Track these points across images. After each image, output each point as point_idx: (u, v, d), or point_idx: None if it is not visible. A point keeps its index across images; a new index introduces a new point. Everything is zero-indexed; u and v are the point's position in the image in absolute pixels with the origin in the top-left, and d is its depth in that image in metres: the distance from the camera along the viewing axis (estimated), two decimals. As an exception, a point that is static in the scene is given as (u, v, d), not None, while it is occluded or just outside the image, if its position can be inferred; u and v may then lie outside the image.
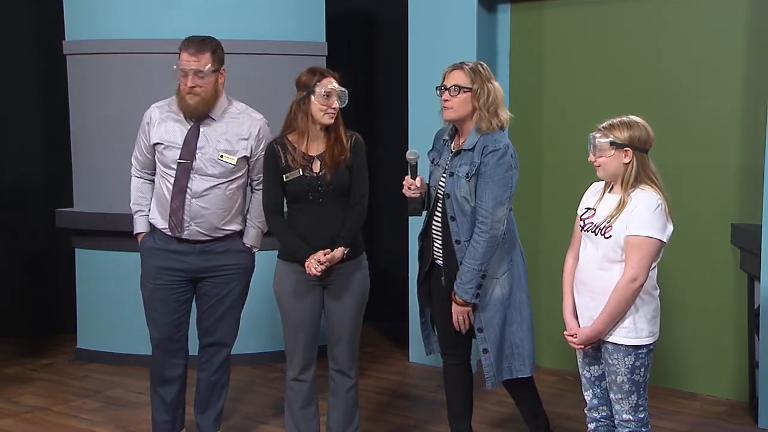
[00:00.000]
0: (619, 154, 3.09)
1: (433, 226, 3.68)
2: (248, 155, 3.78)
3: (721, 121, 4.74)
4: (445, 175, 3.61)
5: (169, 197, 3.73)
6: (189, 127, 3.74)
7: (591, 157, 3.15)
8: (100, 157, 5.34)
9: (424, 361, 5.29)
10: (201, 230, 3.75)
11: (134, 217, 3.89)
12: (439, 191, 3.64)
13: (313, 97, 3.50)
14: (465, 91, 3.53)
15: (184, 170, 3.71)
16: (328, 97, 3.50)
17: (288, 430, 3.77)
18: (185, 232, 3.74)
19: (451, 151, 3.62)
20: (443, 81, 3.59)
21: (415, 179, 3.63)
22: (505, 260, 3.60)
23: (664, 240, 3.08)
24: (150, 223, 3.85)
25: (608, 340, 3.14)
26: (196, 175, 3.71)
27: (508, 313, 3.62)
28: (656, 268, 3.13)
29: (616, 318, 3.09)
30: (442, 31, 5.23)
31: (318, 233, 3.53)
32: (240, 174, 3.80)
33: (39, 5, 6.07)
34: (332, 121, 3.53)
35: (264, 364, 5.44)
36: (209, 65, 3.65)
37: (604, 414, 3.30)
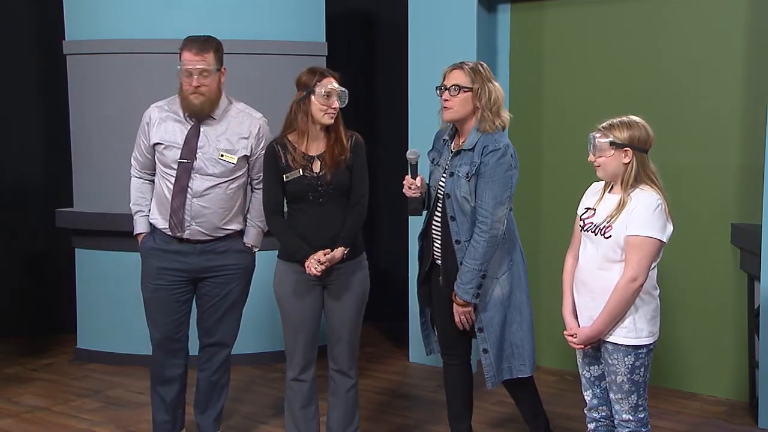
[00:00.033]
0: (618, 154, 3.09)
1: (433, 226, 3.68)
2: (248, 154, 3.79)
3: (721, 121, 4.74)
4: (445, 175, 3.61)
5: (169, 197, 3.73)
6: (189, 126, 3.74)
7: (591, 157, 3.15)
8: (100, 157, 5.34)
9: (424, 361, 5.29)
10: (202, 230, 3.75)
11: (134, 217, 3.89)
12: (439, 191, 3.64)
13: (313, 97, 3.50)
14: (465, 91, 3.53)
15: (185, 170, 3.71)
16: (328, 97, 3.50)
17: (288, 430, 3.77)
18: (186, 232, 3.74)
19: (451, 151, 3.62)
20: (443, 81, 3.59)
21: (415, 179, 3.63)
22: (505, 260, 3.60)
23: (664, 240, 3.08)
24: (150, 224, 3.85)
25: (608, 340, 3.14)
26: (197, 175, 3.72)
27: (508, 313, 3.62)
28: (656, 268, 3.13)
29: (615, 318, 3.09)
30: (442, 31, 5.23)
31: (318, 233, 3.53)
32: (240, 173, 3.80)
33: (39, 5, 6.07)
34: (332, 121, 3.53)
35: (264, 364, 5.44)
36: (213, 64, 3.66)
37: (603, 414, 3.30)
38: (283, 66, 5.20)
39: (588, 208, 3.23)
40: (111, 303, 5.45)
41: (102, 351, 5.52)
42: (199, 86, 3.64)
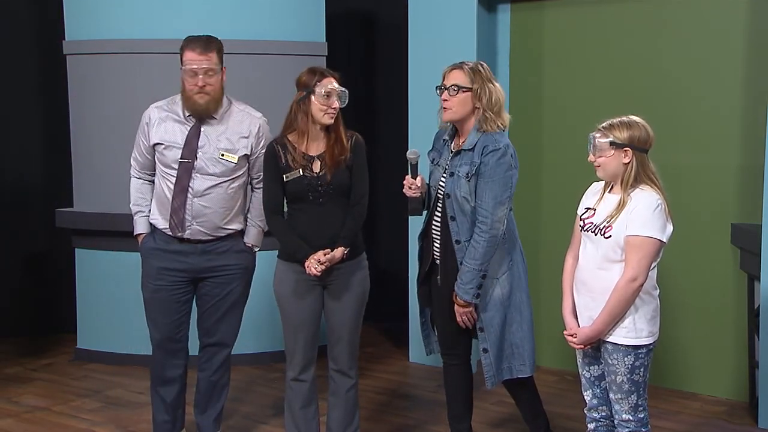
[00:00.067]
0: (618, 154, 3.09)
1: (433, 226, 3.68)
2: (248, 153, 3.79)
3: (721, 121, 4.74)
4: (445, 175, 3.61)
5: (170, 197, 3.73)
6: (189, 126, 3.74)
7: (591, 157, 3.16)
8: (100, 157, 5.34)
9: (424, 361, 5.29)
10: (203, 229, 3.75)
11: (134, 218, 3.89)
12: (439, 191, 3.64)
13: (313, 97, 3.50)
14: (464, 91, 3.52)
15: (186, 169, 3.71)
16: (329, 97, 3.50)
17: (288, 430, 3.77)
18: (187, 232, 3.74)
19: (451, 151, 3.62)
20: (443, 81, 3.59)
21: (415, 179, 3.63)
22: (506, 260, 3.60)
23: (664, 240, 3.08)
24: (151, 224, 3.85)
25: (608, 339, 3.14)
26: (198, 174, 3.72)
27: (508, 313, 3.62)
28: (656, 268, 3.13)
29: (615, 318, 3.09)
30: (442, 31, 5.23)
31: (318, 233, 3.53)
32: (241, 172, 3.80)
33: (39, 5, 6.07)
34: (332, 121, 3.53)
35: (264, 364, 5.44)
36: (217, 64, 3.67)
37: (603, 414, 3.30)
38: (283, 66, 5.20)
39: (588, 208, 3.23)
40: (111, 303, 5.45)
41: (102, 351, 5.52)
42: (204, 86, 3.64)
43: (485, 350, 3.60)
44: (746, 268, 4.63)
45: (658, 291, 3.18)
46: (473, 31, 5.12)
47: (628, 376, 3.12)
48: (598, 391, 3.29)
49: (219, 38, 3.77)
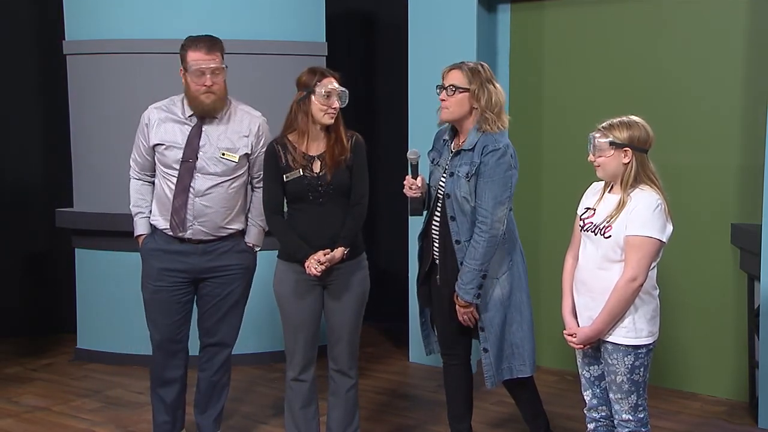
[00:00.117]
0: (618, 154, 3.09)
1: (433, 226, 3.68)
2: (249, 152, 3.79)
3: (721, 121, 4.74)
4: (445, 175, 3.61)
5: (170, 197, 3.73)
6: (189, 126, 3.74)
7: (591, 157, 3.16)
8: (100, 157, 5.34)
9: (424, 361, 5.29)
10: (204, 229, 3.75)
11: (134, 219, 3.89)
12: (439, 191, 3.64)
13: (313, 97, 3.50)
14: (461, 92, 3.52)
15: (188, 169, 3.71)
16: (329, 97, 3.50)
17: (288, 430, 3.77)
18: (188, 232, 3.74)
19: (451, 151, 3.62)
20: (443, 80, 3.59)
21: (416, 179, 3.63)
22: (506, 260, 3.60)
23: (664, 240, 3.08)
24: (151, 225, 3.84)
25: (608, 339, 3.14)
26: (199, 174, 3.72)
27: (509, 313, 3.62)
28: (656, 268, 3.13)
29: (615, 318, 3.09)
30: (442, 31, 5.23)
31: (318, 233, 3.53)
32: (242, 172, 3.80)
33: (39, 5, 6.07)
34: (332, 121, 3.53)
35: (264, 364, 5.44)
36: (222, 63, 3.68)
37: (603, 414, 3.30)
38: (283, 66, 5.20)
39: (588, 208, 3.23)
40: (111, 303, 5.45)
41: (102, 351, 5.52)
42: (212, 85, 3.65)
43: (485, 350, 3.60)
44: (746, 268, 4.63)
45: (657, 291, 3.18)
46: (473, 31, 5.12)
47: (628, 376, 3.12)
48: (598, 391, 3.29)
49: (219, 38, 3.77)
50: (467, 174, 3.49)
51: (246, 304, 3.97)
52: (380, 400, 4.86)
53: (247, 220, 3.90)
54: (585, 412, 3.36)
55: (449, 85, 3.53)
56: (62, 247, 5.80)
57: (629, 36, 5.00)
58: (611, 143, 3.09)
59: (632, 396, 3.14)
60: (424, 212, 3.74)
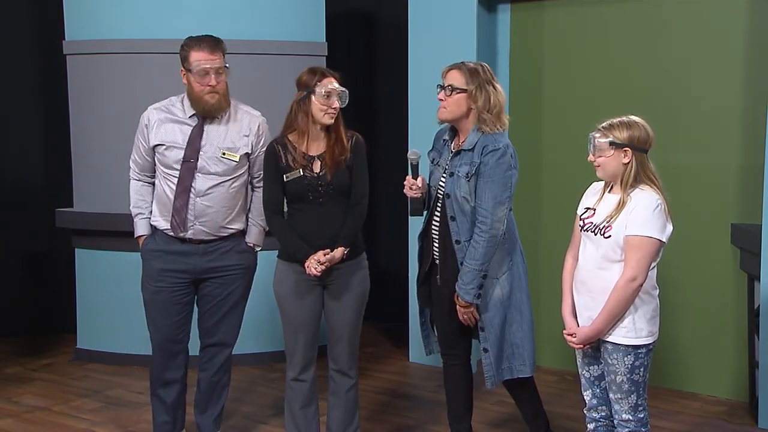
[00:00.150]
0: (618, 154, 3.10)
1: (433, 226, 3.68)
2: (249, 152, 3.79)
3: (721, 121, 4.74)
4: (445, 175, 3.61)
5: (171, 197, 3.73)
6: (189, 126, 3.74)
7: (591, 157, 3.16)
8: (100, 157, 5.34)
9: (424, 361, 5.29)
10: (205, 229, 3.75)
11: (134, 220, 3.88)
12: (439, 191, 3.64)
13: (313, 97, 3.50)
14: (459, 92, 3.52)
15: (189, 169, 3.71)
16: (329, 97, 3.50)
17: (288, 430, 3.77)
18: (189, 232, 3.74)
19: (451, 151, 3.62)
20: (443, 79, 3.59)
21: (416, 179, 3.63)
22: (506, 260, 3.60)
23: (664, 240, 3.08)
24: (151, 225, 3.84)
25: (608, 339, 3.14)
26: (200, 174, 3.72)
27: (509, 313, 3.62)
28: (656, 268, 3.13)
29: (615, 318, 3.09)
30: (442, 31, 5.23)
31: (318, 233, 3.53)
32: (242, 171, 3.81)
33: (39, 5, 6.07)
34: (332, 121, 3.53)
35: (264, 364, 5.44)
36: (224, 62, 3.68)
37: (603, 414, 3.30)
38: (283, 66, 5.21)
39: (588, 208, 3.23)
40: (111, 303, 5.45)
41: (102, 351, 5.52)
42: (216, 84, 3.66)
43: (485, 350, 3.60)
44: (746, 268, 4.63)
45: (657, 291, 3.18)
46: (473, 31, 5.12)
47: (628, 375, 3.12)
48: (597, 391, 3.29)
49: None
50: (467, 174, 3.49)
51: (246, 304, 3.96)
52: (380, 400, 4.86)
53: (247, 220, 3.90)
54: (585, 412, 3.36)
55: (448, 85, 3.53)
56: (62, 247, 5.80)
57: (629, 36, 5.00)
58: (611, 143, 3.09)
59: (632, 396, 3.14)
60: (424, 212, 3.74)
